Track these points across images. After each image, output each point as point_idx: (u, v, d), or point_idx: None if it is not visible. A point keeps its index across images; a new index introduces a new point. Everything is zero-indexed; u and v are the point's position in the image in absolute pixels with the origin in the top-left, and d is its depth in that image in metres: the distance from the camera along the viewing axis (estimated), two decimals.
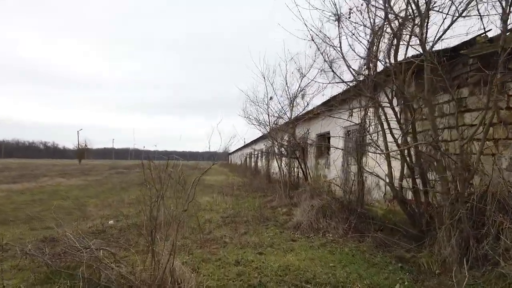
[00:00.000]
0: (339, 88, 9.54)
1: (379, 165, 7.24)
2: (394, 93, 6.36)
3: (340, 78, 6.79)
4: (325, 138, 13.74)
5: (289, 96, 12.25)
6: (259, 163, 29.37)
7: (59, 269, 4.62)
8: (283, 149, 14.35)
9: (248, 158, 39.07)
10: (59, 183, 21.60)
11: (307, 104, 11.95)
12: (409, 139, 6.43)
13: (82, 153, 78.48)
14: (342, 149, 10.67)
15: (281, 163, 13.80)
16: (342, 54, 6.35)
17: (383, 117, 6.40)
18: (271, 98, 12.08)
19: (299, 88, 12.01)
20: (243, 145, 31.27)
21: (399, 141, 6.02)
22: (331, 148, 12.21)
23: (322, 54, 6.88)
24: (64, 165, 60.37)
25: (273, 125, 12.82)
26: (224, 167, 56.23)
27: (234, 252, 6.10)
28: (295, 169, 14.37)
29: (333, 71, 6.76)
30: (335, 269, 5.11)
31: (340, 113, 9.08)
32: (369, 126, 7.33)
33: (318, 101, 12.57)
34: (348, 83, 6.75)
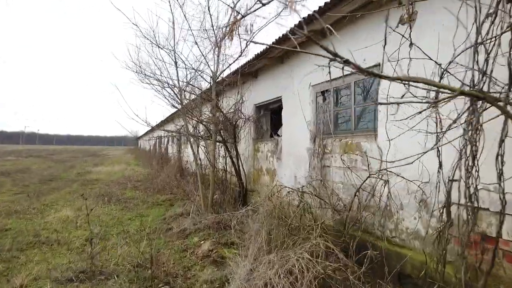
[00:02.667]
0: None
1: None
2: None
3: None
4: (268, 109, 8.62)
5: (214, 33, 6.77)
6: (170, 149, 23.19)
7: None
8: (201, 128, 8.86)
9: (157, 143, 32.25)
10: None
11: (246, 46, 6.63)
12: None
13: None
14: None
15: (198, 151, 8.32)
16: None
17: None
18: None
19: (232, 18, 6.57)
20: (152, 126, 24.54)
21: None
22: (284, 125, 7.14)
23: None
24: None
25: (185, 84, 7.21)
26: (131, 153, 47.99)
27: None
28: (221, 158, 9.01)
29: None
30: None
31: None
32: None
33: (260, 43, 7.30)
34: None
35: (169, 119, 15.47)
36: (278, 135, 7.56)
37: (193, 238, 5.70)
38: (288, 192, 4.49)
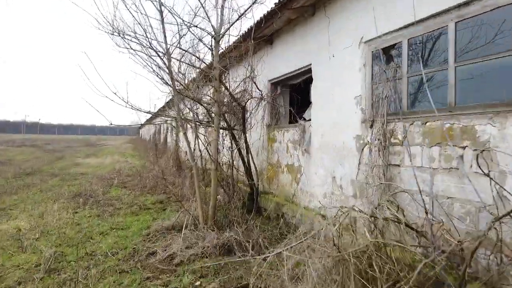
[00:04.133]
0: None
1: None
2: None
3: None
4: (287, 85, 6.50)
5: None
6: (169, 138, 21.16)
7: None
8: (200, 111, 6.83)
9: (156, 132, 30.22)
10: None
11: None
12: None
13: None
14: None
15: (197, 141, 6.29)
16: None
17: None
18: None
19: None
20: (134, 106, 22.25)
21: None
22: (314, 105, 5.05)
23: None
24: None
25: (174, 47, 5.09)
26: (130, 143, 46.08)
27: None
28: (226, 149, 6.97)
29: None
30: None
31: None
32: None
33: None
34: None
35: (165, 105, 13.36)
36: (304, 119, 5.48)
37: (184, 276, 3.68)
38: (345, 213, 2.42)
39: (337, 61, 4.46)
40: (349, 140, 4.18)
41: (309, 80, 5.55)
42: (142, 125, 50.58)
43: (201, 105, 5.50)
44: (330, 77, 4.61)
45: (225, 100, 6.35)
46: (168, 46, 4.88)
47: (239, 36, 5.73)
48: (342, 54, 4.37)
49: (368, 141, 3.83)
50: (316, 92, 5.01)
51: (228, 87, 6.25)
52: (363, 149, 3.92)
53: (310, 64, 5.15)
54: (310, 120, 5.27)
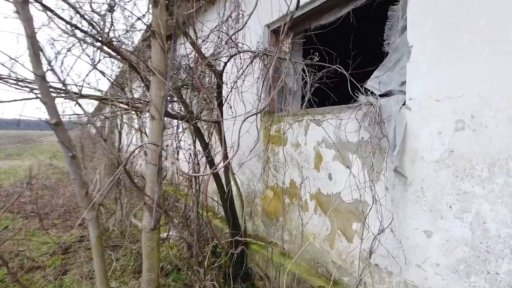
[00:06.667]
0: None
1: None
2: None
3: None
4: (302, 30, 3.28)
5: None
6: (125, 131, 17.00)
7: None
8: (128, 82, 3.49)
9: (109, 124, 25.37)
10: None
11: None
12: None
13: None
14: None
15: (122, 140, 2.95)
16: None
17: None
18: None
19: None
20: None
21: None
22: (417, 51, 1.93)
23: None
24: None
25: None
26: (77, 139, 40.11)
27: None
28: (182, 153, 3.64)
29: None
30: None
31: None
32: None
33: None
34: None
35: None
36: (372, 95, 2.29)
37: None
38: None
39: None
40: None
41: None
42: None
43: (111, 49, 2.13)
44: None
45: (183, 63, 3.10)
46: None
47: None
48: None
49: None
50: (425, 21, 1.87)
51: (195, 39, 2.92)
52: None
53: None
54: (388, 94, 2.15)
